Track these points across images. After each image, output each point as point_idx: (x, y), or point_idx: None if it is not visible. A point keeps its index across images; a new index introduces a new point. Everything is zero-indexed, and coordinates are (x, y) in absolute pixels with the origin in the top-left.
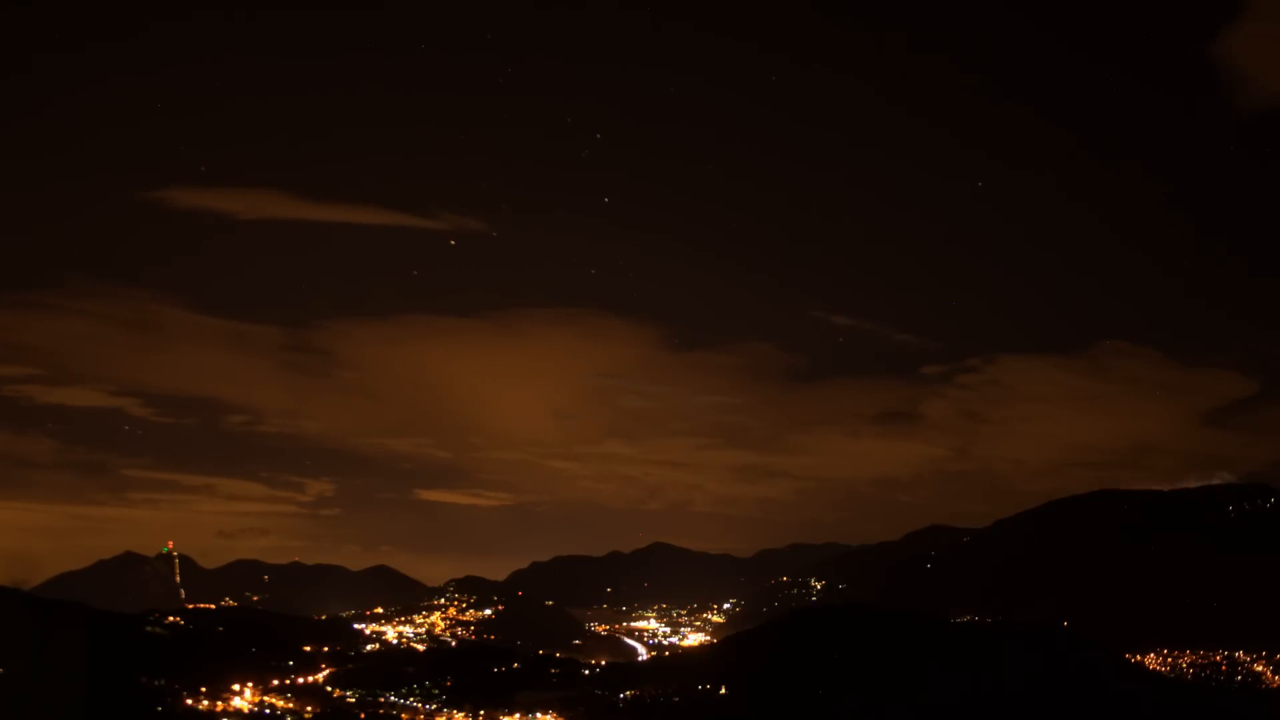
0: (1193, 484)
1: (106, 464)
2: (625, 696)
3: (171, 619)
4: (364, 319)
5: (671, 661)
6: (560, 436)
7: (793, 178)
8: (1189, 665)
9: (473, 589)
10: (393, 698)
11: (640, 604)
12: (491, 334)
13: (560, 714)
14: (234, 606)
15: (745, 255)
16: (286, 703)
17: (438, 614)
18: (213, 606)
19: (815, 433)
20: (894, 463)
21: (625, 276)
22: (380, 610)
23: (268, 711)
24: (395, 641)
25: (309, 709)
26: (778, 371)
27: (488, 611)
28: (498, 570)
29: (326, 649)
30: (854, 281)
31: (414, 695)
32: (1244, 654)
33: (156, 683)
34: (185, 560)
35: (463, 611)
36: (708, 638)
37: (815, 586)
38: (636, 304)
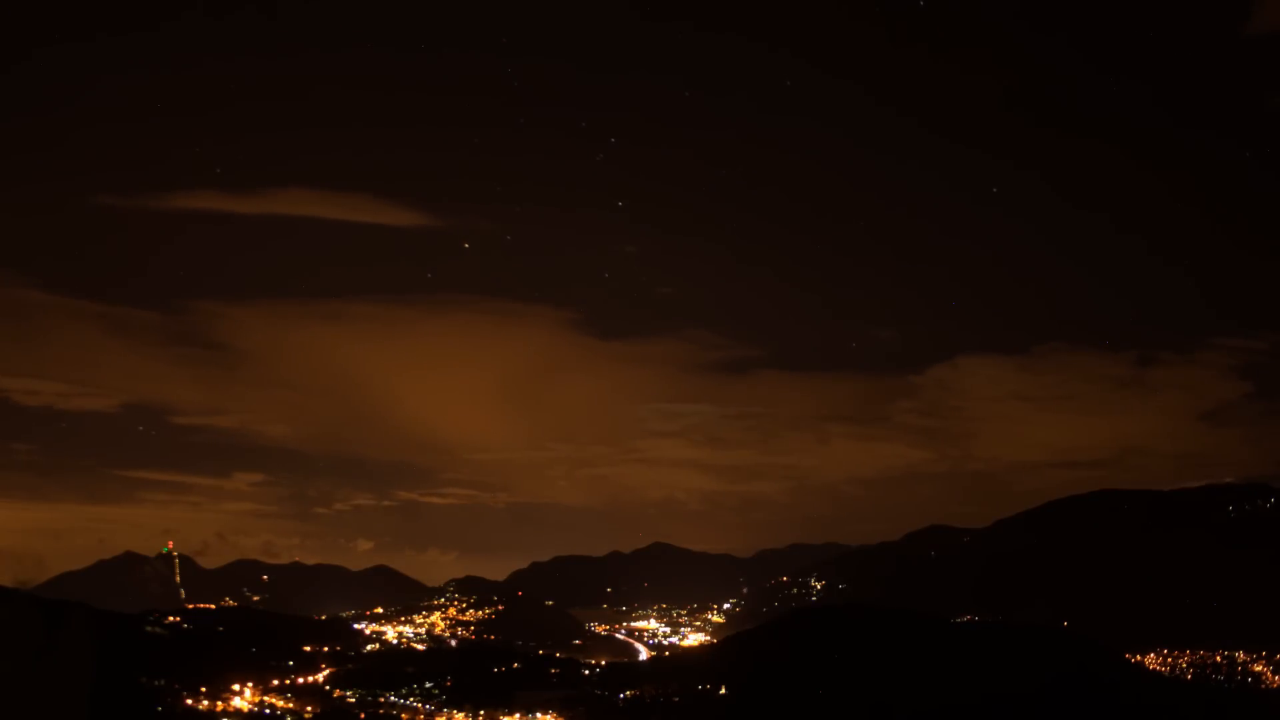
0: (1193, 484)
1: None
2: (625, 696)
3: (171, 619)
4: (238, 301)
5: (671, 661)
6: (521, 437)
7: (803, 181)
8: (1189, 665)
9: (473, 589)
10: (393, 698)
11: (640, 604)
12: (410, 323)
13: (560, 714)
14: (234, 606)
15: (751, 257)
16: (286, 703)
17: (438, 614)
18: (213, 606)
19: (781, 433)
20: (874, 463)
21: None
22: (380, 610)
23: (268, 711)
24: (395, 641)
25: (309, 709)
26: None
27: (488, 611)
28: (498, 570)
29: (326, 649)
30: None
31: (414, 695)
32: (1244, 654)
33: (156, 683)
34: (185, 560)
35: (463, 611)
36: (708, 638)
37: (815, 586)
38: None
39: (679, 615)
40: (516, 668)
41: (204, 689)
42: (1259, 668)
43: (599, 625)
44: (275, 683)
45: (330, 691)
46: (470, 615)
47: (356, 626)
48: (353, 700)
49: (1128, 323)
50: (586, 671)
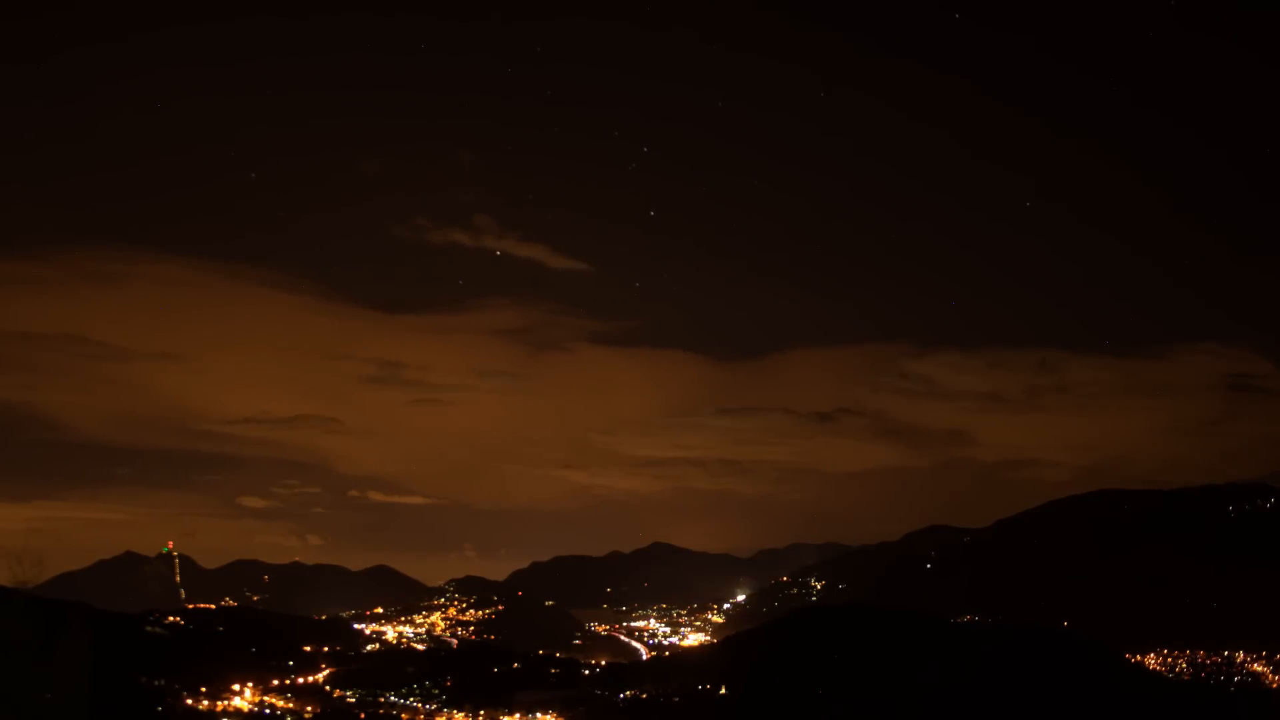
0: (1193, 484)
1: None
2: (625, 696)
3: (171, 619)
4: None
5: (671, 661)
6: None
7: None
8: (1189, 665)
9: (473, 589)
10: (393, 698)
11: (640, 604)
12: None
13: (560, 714)
14: (234, 606)
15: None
16: (286, 703)
17: (438, 614)
18: (213, 606)
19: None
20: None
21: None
22: (380, 610)
23: (268, 711)
24: (395, 641)
25: (309, 709)
26: None
27: (488, 611)
28: (498, 570)
29: (326, 649)
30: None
31: (414, 695)
32: (1244, 654)
33: (156, 683)
34: (185, 560)
35: (463, 611)
36: (708, 638)
37: (815, 586)
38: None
39: (679, 615)
40: (516, 668)
41: (204, 689)
42: (1259, 668)
43: (599, 625)
44: (275, 683)
45: (330, 691)
46: (470, 615)
47: (356, 626)
48: (353, 700)
49: (1178, 321)
50: (586, 671)
